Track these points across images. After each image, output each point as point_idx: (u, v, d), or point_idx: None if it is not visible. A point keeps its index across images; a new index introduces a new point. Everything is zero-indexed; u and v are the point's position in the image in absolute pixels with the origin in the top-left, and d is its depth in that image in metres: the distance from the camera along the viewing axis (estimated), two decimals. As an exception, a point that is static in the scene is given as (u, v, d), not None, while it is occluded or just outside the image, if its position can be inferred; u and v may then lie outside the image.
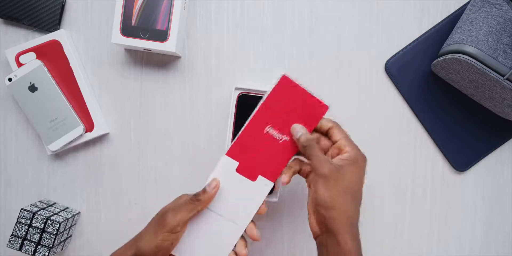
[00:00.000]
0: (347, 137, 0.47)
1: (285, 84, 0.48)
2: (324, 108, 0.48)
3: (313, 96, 0.48)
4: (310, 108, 0.48)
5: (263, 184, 0.48)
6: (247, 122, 0.48)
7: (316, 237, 0.46)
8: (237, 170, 0.48)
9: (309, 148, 0.46)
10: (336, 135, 0.47)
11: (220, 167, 0.48)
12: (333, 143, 0.48)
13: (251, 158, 0.48)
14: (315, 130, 0.49)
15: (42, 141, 0.60)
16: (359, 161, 0.46)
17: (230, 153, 0.48)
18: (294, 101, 0.48)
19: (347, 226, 0.44)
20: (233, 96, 0.56)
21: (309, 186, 0.47)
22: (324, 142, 0.49)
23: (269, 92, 0.48)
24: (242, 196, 0.48)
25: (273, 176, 0.48)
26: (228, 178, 0.48)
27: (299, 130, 0.47)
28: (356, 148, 0.47)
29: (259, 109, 0.48)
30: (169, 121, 0.61)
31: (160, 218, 0.46)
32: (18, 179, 0.62)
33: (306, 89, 0.48)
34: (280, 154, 0.48)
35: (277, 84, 0.48)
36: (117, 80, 0.61)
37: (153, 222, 0.47)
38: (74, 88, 0.60)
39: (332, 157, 0.47)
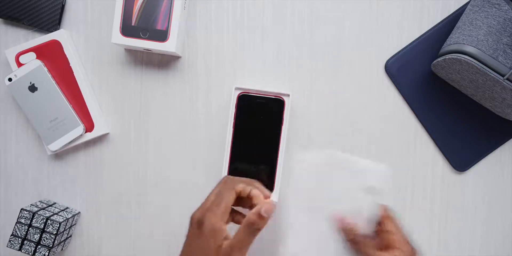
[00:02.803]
0: (401, 231, 0.45)
1: None
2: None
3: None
4: None
5: None
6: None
7: None
8: None
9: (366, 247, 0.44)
10: (387, 225, 0.45)
11: None
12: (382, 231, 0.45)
13: None
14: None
15: (42, 141, 0.60)
16: None
17: None
18: None
19: None
20: (233, 96, 0.56)
21: None
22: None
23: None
24: None
25: None
26: None
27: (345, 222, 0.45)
28: (410, 248, 0.44)
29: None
30: (169, 121, 0.61)
31: None
32: (18, 179, 0.62)
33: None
34: None
35: None
36: (117, 80, 0.61)
37: None
38: (74, 88, 0.60)
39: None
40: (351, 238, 0.44)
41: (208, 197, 0.45)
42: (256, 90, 0.56)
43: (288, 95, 0.56)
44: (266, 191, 0.46)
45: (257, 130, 0.56)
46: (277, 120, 0.56)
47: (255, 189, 0.45)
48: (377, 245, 0.45)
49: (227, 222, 0.43)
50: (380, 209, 0.46)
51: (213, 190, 0.46)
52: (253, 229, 0.41)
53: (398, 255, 0.42)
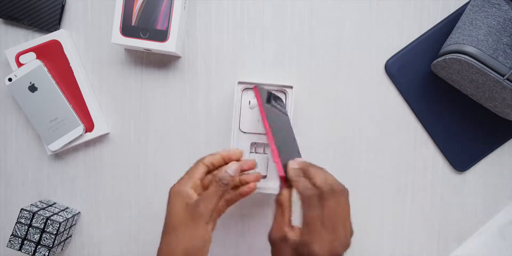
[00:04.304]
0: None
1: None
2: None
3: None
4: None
5: None
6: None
7: None
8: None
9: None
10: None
11: None
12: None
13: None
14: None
15: (42, 141, 0.60)
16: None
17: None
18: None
19: None
20: (236, 90, 0.56)
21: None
22: None
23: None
24: None
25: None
26: None
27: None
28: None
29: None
30: (169, 121, 0.61)
31: (193, 211, 0.44)
32: (18, 179, 0.62)
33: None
34: None
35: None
36: (117, 80, 0.61)
37: (184, 218, 0.45)
38: (74, 88, 0.60)
39: None
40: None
41: None
42: (260, 84, 0.56)
43: (291, 87, 0.56)
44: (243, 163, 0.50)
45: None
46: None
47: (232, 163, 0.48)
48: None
49: (198, 193, 0.47)
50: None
51: None
52: (220, 183, 0.45)
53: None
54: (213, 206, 0.45)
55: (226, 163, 0.49)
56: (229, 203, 0.51)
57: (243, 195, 0.51)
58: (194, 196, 0.46)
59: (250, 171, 0.51)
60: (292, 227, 0.44)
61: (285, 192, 0.45)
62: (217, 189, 0.45)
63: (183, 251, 0.44)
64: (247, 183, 0.51)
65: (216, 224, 0.49)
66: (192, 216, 0.44)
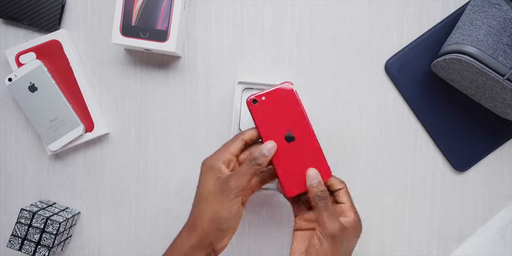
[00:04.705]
0: (352, 203, 0.49)
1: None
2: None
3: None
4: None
5: None
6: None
7: None
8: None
9: (324, 201, 0.47)
10: (343, 197, 0.48)
11: None
12: (337, 202, 0.49)
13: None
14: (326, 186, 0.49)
15: (42, 141, 0.60)
16: (358, 229, 0.48)
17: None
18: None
19: None
20: (236, 90, 0.56)
21: (306, 237, 0.49)
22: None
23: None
24: None
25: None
26: None
27: (315, 177, 0.47)
28: (358, 216, 0.48)
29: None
30: (169, 121, 0.61)
31: (223, 186, 0.45)
32: (18, 179, 0.62)
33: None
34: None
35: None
36: (117, 80, 0.61)
37: (214, 191, 0.46)
38: (74, 88, 0.60)
39: None
40: (320, 195, 0.47)
41: None
42: (260, 84, 0.56)
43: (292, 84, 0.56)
44: None
45: None
46: None
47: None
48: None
49: (232, 168, 0.48)
50: (337, 181, 0.49)
51: None
52: (254, 163, 0.46)
53: (352, 220, 0.47)
54: (243, 184, 0.45)
55: None
56: (264, 181, 0.51)
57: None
58: (226, 171, 0.46)
59: None
60: None
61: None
62: (250, 168, 0.46)
63: (208, 219, 0.45)
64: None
65: (248, 200, 0.50)
66: (221, 190, 0.45)
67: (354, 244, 0.48)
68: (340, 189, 0.48)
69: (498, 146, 0.61)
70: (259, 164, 0.46)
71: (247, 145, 0.49)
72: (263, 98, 0.48)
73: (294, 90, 0.48)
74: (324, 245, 0.46)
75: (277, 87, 0.48)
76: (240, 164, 0.49)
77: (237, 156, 0.48)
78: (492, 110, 0.58)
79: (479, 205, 0.61)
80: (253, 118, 0.48)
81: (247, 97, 0.48)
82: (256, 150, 0.46)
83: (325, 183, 0.48)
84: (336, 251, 0.46)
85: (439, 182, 0.61)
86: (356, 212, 0.48)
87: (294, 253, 0.48)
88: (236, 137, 0.48)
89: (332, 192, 0.49)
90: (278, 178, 0.48)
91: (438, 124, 0.60)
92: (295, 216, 0.51)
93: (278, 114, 0.48)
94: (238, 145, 0.47)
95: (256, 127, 0.48)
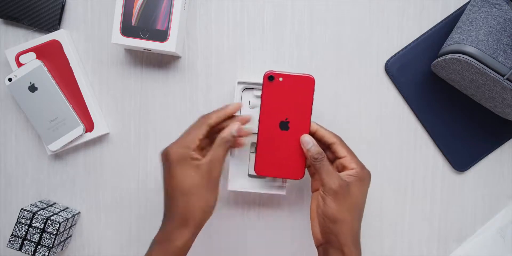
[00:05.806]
0: (352, 154, 0.49)
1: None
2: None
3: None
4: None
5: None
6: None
7: (318, 245, 0.48)
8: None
9: (320, 161, 0.47)
10: (340, 151, 0.49)
11: None
12: (337, 158, 0.49)
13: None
14: (318, 140, 0.49)
15: (42, 141, 0.60)
16: (366, 179, 0.49)
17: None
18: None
19: (352, 239, 0.46)
20: (236, 90, 0.56)
21: (315, 197, 0.49)
22: (328, 155, 0.50)
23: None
24: None
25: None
26: None
27: (309, 142, 0.48)
28: (362, 165, 0.49)
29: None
30: (169, 121, 0.61)
31: (208, 175, 0.46)
32: (18, 179, 0.62)
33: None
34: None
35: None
36: (117, 80, 0.61)
37: (200, 181, 0.46)
38: (74, 88, 0.60)
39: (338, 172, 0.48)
40: (317, 157, 0.47)
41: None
42: (259, 83, 0.56)
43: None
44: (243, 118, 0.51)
45: None
46: None
47: (231, 122, 0.49)
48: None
49: (199, 151, 0.48)
50: (329, 135, 0.49)
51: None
52: (224, 142, 0.47)
53: (355, 172, 0.47)
54: (222, 167, 0.47)
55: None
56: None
57: (233, 147, 0.52)
58: (201, 158, 0.47)
59: (247, 125, 0.51)
60: None
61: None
62: (224, 150, 0.47)
63: (201, 210, 0.46)
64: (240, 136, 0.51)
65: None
66: (207, 179, 0.46)
67: (362, 195, 0.49)
68: (334, 143, 0.49)
69: (498, 146, 0.61)
70: (228, 142, 0.47)
71: (212, 130, 0.49)
72: (281, 79, 0.48)
73: (314, 83, 0.48)
74: (327, 202, 0.46)
75: (301, 74, 0.48)
76: (200, 145, 0.49)
77: (201, 141, 0.48)
78: (492, 110, 0.58)
79: (479, 205, 0.61)
80: (261, 93, 0.48)
81: (265, 72, 0.49)
82: (225, 132, 0.48)
83: (316, 136, 0.49)
84: (340, 207, 0.46)
85: (439, 182, 0.61)
86: (358, 163, 0.48)
87: (310, 212, 0.49)
88: (201, 122, 0.49)
89: (329, 147, 0.50)
90: (255, 154, 0.50)
91: (438, 124, 0.60)
92: (312, 179, 0.52)
93: (286, 100, 0.48)
94: (204, 130, 0.48)
95: (261, 103, 0.49)
